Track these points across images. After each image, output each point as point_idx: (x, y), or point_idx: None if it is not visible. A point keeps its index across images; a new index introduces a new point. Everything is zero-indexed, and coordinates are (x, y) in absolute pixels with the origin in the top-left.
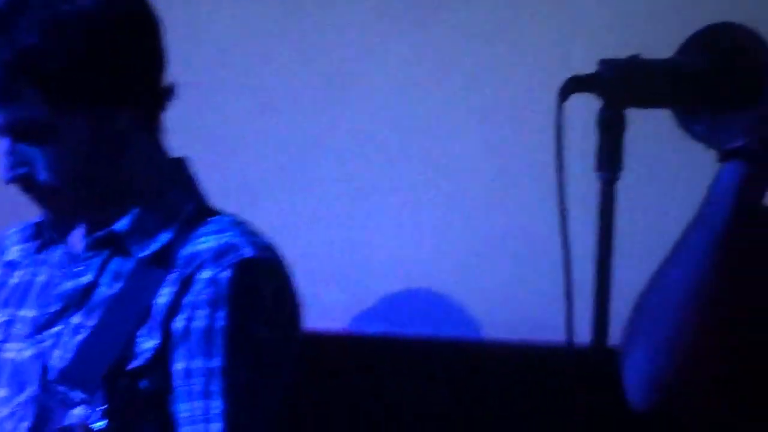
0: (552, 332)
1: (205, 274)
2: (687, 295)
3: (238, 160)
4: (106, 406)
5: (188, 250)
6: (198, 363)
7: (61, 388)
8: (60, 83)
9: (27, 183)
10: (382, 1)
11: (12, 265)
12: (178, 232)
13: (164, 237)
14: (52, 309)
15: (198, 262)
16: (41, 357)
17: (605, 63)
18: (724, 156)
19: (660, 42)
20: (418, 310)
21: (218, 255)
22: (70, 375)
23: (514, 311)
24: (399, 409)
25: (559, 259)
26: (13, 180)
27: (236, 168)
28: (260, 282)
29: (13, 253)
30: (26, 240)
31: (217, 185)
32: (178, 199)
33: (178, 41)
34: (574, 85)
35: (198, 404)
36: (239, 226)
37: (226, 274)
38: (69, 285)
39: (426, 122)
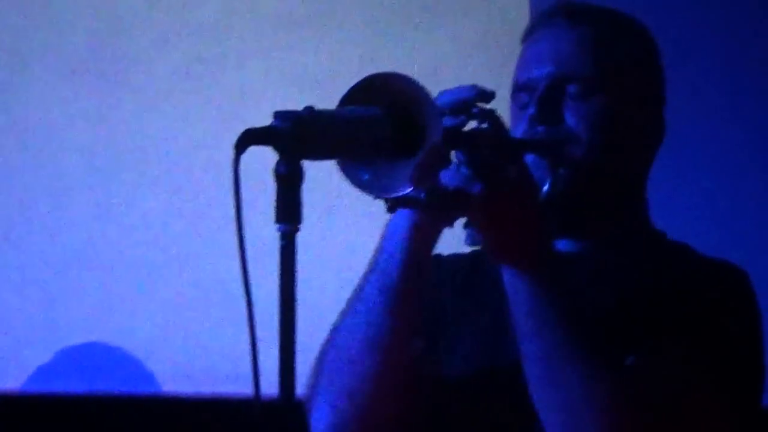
0: (241, 384)
1: None
2: (362, 345)
3: None
4: None
5: None
6: None
7: None
8: None
9: None
10: None
11: None
12: None
13: None
14: None
15: None
16: None
17: (280, 115)
18: (391, 205)
19: None
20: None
21: None
22: None
23: (199, 363)
24: None
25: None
26: None
27: None
28: None
29: None
30: None
31: None
32: None
33: None
34: (249, 138)
35: None
36: None
37: None
38: None
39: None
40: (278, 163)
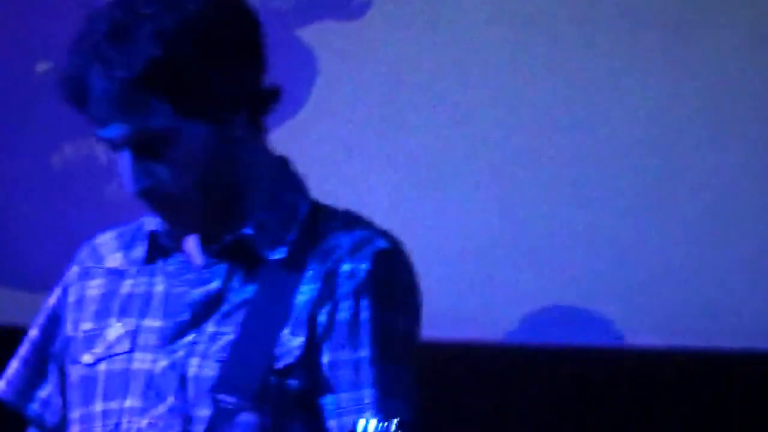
0: None
1: (345, 267)
2: None
3: None
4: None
5: (321, 247)
6: (345, 354)
7: (216, 397)
8: (184, 92)
9: (151, 195)
10: None
11: (118, 273)
12: (302, 232)
13: (290, 237)
14: (182, 318)
15: (335, 257)
16: (177, 368)
17: None
18: None
19: None
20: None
21: (355, 248)
22: (226, 382)
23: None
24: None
25: None
26: (138, 192)
27: None
28: (396, 271)
29: (116, 260)
30: (126, 247)
31: None
32: (292, 199)
33: None
34: None
35: (347, 395)
36: (362, 220)
37: (365, 265)
38: (197, 293)
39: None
40: None
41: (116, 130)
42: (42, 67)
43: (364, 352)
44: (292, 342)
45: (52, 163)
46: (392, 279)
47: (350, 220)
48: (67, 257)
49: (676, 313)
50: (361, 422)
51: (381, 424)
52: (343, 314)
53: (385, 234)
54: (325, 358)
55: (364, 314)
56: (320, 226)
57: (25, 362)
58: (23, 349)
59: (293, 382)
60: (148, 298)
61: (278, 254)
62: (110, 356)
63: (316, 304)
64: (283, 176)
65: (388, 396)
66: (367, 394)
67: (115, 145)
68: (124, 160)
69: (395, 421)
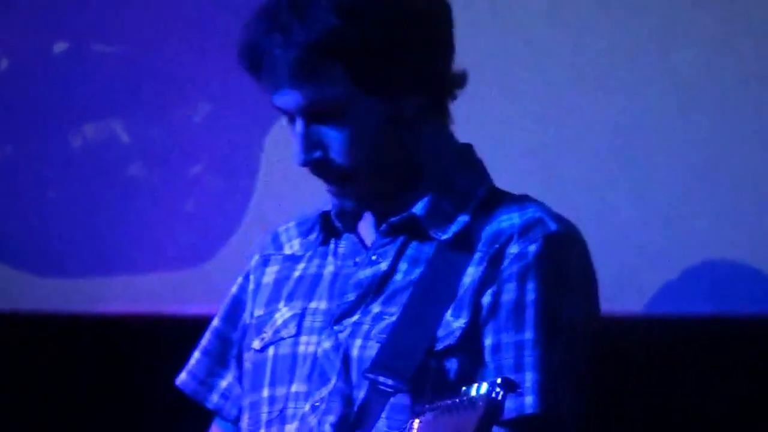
0: None
1: (513, 249)
2: None
3: None
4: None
5: (491, 229)
6: (508, 337)
7: (374, 378)
8: (362, 64)
9: (321, 166)
10: None
11: (294, 259)
12: (475, 214)
13: (462, 219)
14: (349, 299)
15: (504, 239)
16: (340, 348)
17: None
18: None
19: None
20: None
21: (525, 230)
22: (383, 363)
23: None
24: None
25: None
26: (306, 163)
27: None
28: (567, 254)
29: (293, 246)
30: (305, 234)
31: None
32: (469, 182)
33: None
34: None
35: None
36: (537, 203)
37: (534, 247)
38: (365, 273)
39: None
40: None
41: (291, 97)
42: (60, 47)
43: (528, 335)
44: (453, 324)
45: (71, 144)
46: (561, 263)
47: (524, 204)
48: (86, 240)
49: None
50: (474, 387)
51: (490, 388)
52: (508, 296)
53: (559, 218)
54: (488, 341)
55: (530, 296)
56: (493, 209)
57: (207, 352)
58: (205, 340)
59: (452, 365)
60: (317, 279)
61: (447, 235)
62: (277, 341)
63: (481, 286)
64: (463, 162)
65: (549, 380)
66: (528, 378)
67: (289, 114)
68: (296, 130)
69: (498, 381)
